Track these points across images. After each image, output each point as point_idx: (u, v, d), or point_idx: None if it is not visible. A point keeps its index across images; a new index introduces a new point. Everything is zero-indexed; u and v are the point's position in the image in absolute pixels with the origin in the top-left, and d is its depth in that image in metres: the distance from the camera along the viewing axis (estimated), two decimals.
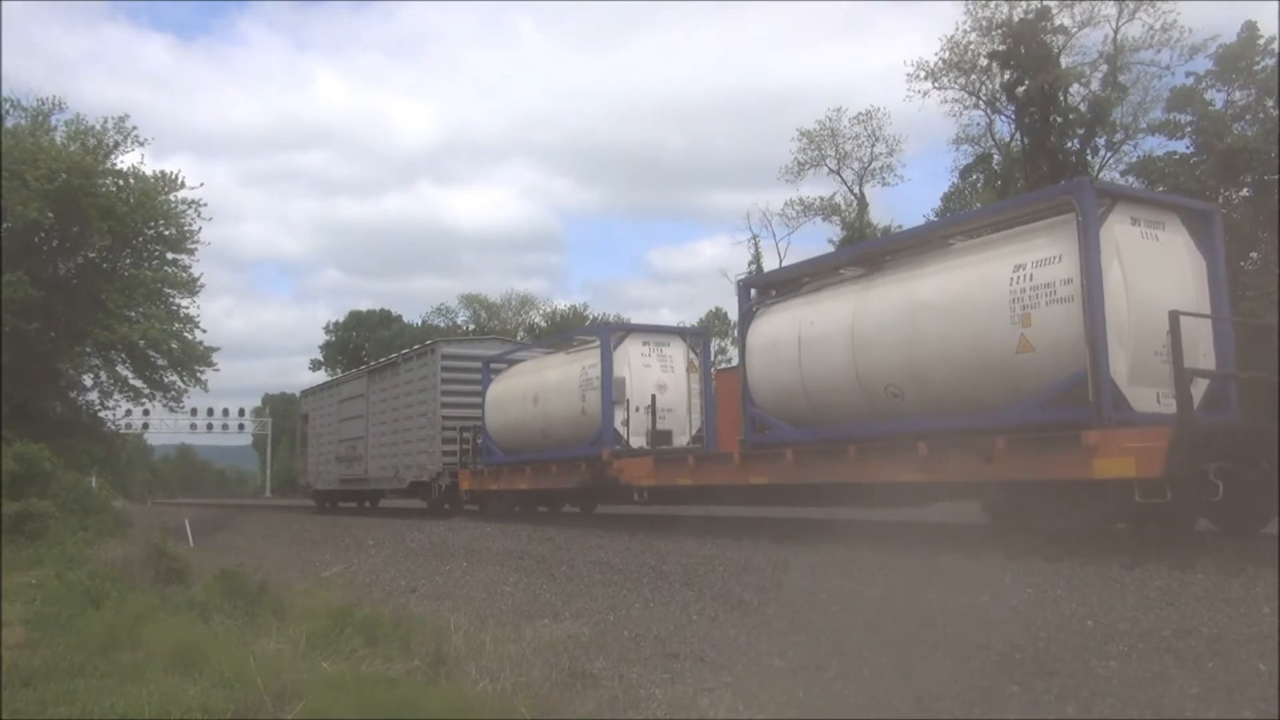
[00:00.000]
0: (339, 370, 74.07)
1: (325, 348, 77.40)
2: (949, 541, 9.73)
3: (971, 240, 10.48)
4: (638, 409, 15.13)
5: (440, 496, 21.28)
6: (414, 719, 5.29)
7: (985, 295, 9.39)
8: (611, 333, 16.16)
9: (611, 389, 15.17)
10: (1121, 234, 8.76)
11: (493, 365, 20.52)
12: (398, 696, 5.54)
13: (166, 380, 30.03)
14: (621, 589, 10.57)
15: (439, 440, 21.10)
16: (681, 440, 15.71)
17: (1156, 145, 31.00)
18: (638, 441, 15.09)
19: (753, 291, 13.47)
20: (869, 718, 6.02)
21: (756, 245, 49.08)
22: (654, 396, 15.09)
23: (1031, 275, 9.03)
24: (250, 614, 8.83)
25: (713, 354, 18.93)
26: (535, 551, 13.62)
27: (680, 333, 17.71)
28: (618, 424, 15.20)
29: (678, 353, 16.35)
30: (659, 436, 14.97)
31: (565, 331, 20.25)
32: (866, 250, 11.96)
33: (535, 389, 17.75)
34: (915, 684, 6.42)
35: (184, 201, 28.72)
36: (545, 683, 6.49)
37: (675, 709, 6.16)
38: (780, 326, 12.14)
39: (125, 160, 28.15)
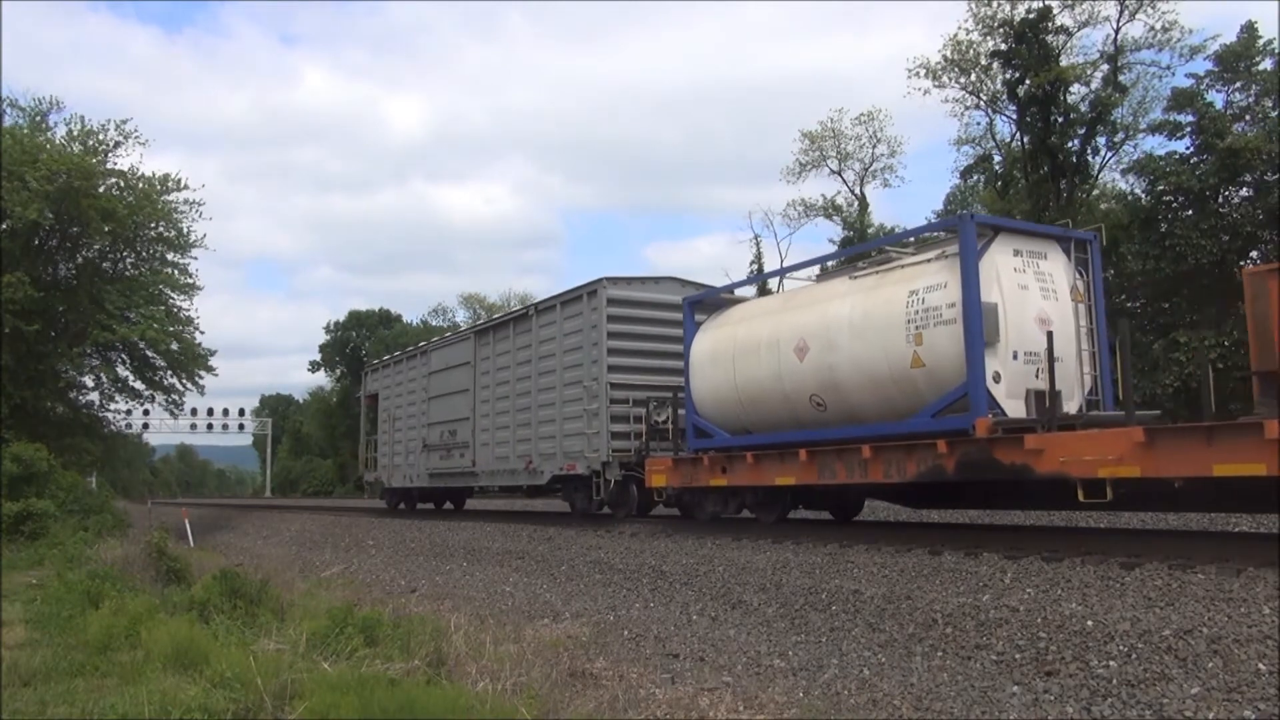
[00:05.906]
0: (339, 370, 74.05)
1: (325, 347, 77.35)
2: (948, 541, 9.73)
3: None
4: (1016, 355, 9.83)
5: (604, 496, 15.40)
6: (414, 719, 5.30)
7: None
8: (977, 229, 10.05)
9: (981, 323, 9.55)
10: None
11: (696, 313, 14.20)
12: (398, 697, 5.54)
13: (167, 383, 30.11)
14: (621, 589, 10.58)
15: (605, 418, 15.13)
16: (1070, 406, 10.10)
17: (1156, 145, 31.12)
18: (1014, 407, 9.72)
19: None
20: (869, 718, 6.03)
21: (758, 244, 49.13)
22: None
23: None
24: (250, 614, 8.85)
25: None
26: (535, 551, 13.62)
27: (1058, 236, 10.74)
28: (988, 379, 9.62)
29: (1058, 268, 10.42)
30: (1045, 399, 9.65)
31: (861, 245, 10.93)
32: None
33: (800, 333, 11.74)
34: (915, 684, 6.43)
35: (186, 202, 28.86)
36: (545, 683, 6.51)
37: (675, 709, 6.17)
38: None
39: (125, 160, 28.27)
